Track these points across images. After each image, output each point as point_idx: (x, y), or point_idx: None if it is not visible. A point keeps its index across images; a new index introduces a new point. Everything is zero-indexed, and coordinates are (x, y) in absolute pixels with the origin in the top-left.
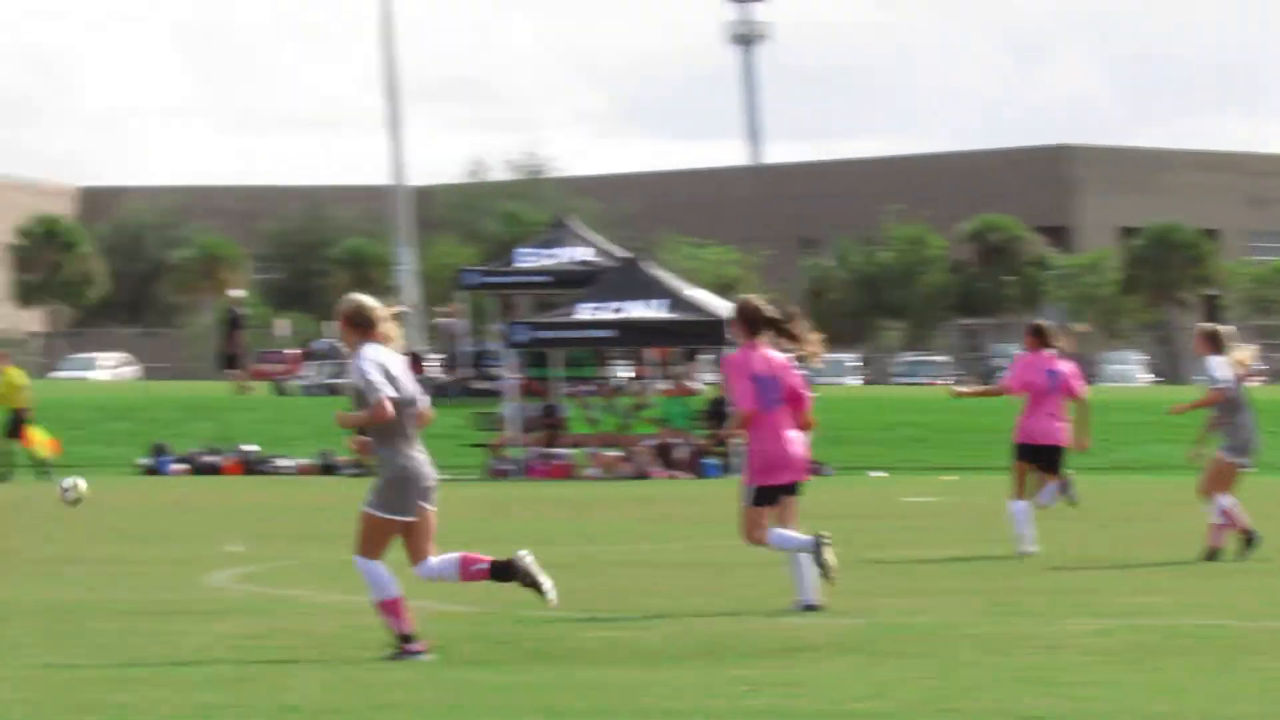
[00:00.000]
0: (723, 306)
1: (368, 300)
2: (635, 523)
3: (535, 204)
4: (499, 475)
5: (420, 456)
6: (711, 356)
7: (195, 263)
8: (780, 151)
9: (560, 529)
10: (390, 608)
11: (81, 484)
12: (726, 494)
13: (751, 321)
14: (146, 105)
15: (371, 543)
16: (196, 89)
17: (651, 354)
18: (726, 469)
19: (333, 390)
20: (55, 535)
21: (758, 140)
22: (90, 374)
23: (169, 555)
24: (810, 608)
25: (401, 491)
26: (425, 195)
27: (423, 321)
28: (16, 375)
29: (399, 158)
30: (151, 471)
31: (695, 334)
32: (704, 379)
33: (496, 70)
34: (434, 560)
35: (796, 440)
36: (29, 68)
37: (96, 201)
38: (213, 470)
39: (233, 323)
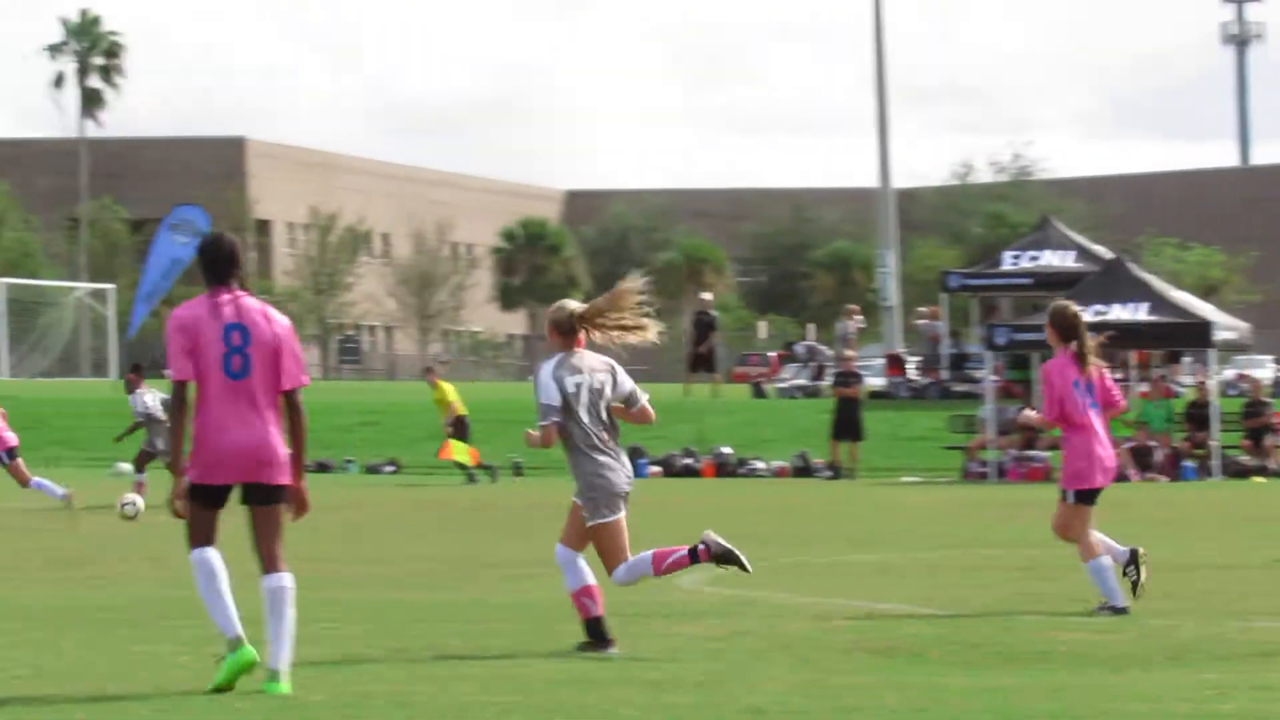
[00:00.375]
0: (1205, 309)
1: (577, 308)
2: (1107, 526)
3: (1020, 206)
4: (975, 478)
5: (613, 462)
6: (1192, 359)
7: (678, 266)
8: (1271, 153)
9: (1031, 532)
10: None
11: (140, 502)
12: (1203, 497)
13: (1068, 328)
14: (632, 108)
15: (576, 535)
16: (683, 91)
17: (1132, 356)
18: (1206, 472)
19: (811, 393)
20: (523, 535)
21: (1247, 142)
22: None
23: None
24: (1116, 610)
25: (600, 496)
26: (910, 198)
27: (902, 324)
28: (448, 389)
29: (885, 160)
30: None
31: (1177, 336)
32: (1184, 382)
33: (986, 72)
34: (622, 566)
35: (1109, 445)
36: (516, 71)
37: (581, 205)
38: (689, 472)
39: (703, 325)
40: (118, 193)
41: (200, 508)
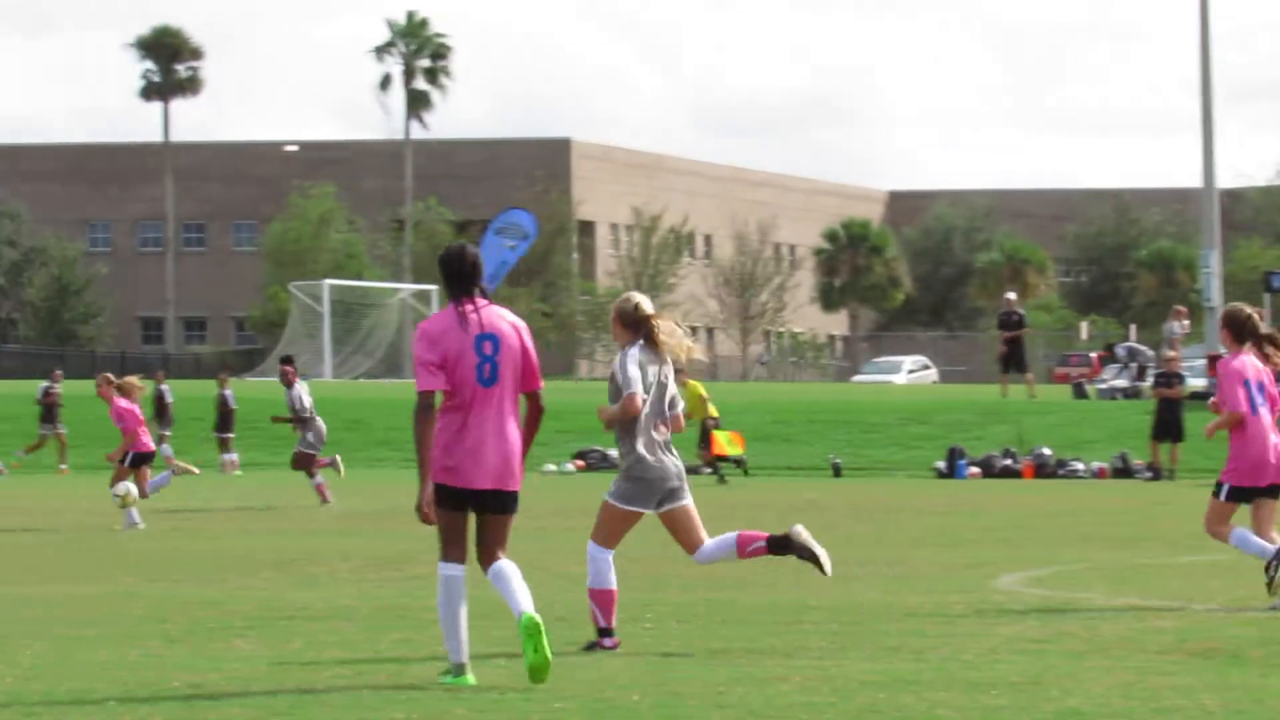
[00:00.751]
0: None
1: (644, 302)
2: None
3: None
4: None
5: (664, 458)
6: None
7: (1000, 266)
8: None
9: None
10: (600, 598)
11: (134, 490)
12: None
13: (1240, 329)
14: (955, 108)
15: (607, 530)
16: (1005, 92)
17: None
18: None
19: (1131, 394)
20: (856, 536)
21: None
22: (893, 377)
23: (960, 559)
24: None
25: (638, 487)
26: (1234, 197)
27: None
28: (698, 388)
29: (1210, 159)
30: (946, 475)
31: None
32: None
33: None
34: (709, 543)
35: (1277, 444)
36: (839, 71)
37: (904, 205)
38: (1008, 474)
39: (1011, 326)
40: (442, 194)
41: (448, 512)
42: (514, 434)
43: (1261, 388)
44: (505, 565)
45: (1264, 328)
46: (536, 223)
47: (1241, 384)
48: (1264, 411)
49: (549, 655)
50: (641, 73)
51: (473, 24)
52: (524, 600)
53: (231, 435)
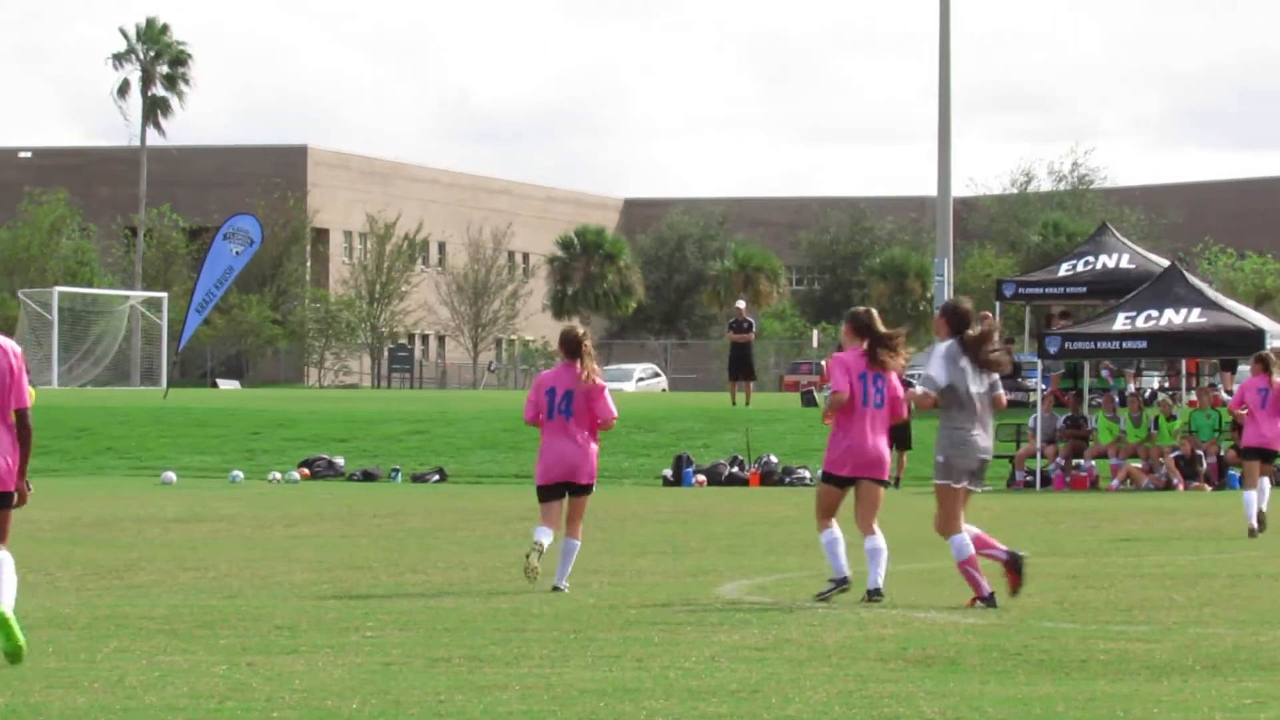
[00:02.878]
0: (1258, 318)
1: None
2: (1151, 535)
3: (1078, 215)
4: (1020, 486)
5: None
6: (1235, 369)
7: (732, 274)
8: None
9: (1075, 540)
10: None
11: None
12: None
13: (862, 329)
14: (698, 117)
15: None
16: (743, 101)
17: (1183, 365)
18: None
19: None
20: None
21: None
22: (623, 385)
23: (684, 567)
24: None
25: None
26: (968, 206)
27: None
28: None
29: (945, 168)
30: (672, 483)
31: (1228, 345)
32: (1232, 390)
33: (1054, 79)
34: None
35: (881, 440)
36: (578, 81)
37: (639, 213)
38: (735, 481)
39: (740, 331)
40: (177, 201)
41: None
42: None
43: (882, 382)
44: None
45: (880, 327)
46: (261, 229)
47: (857, 378)
48: (876, 408)
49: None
50: (384, 82)
51: (214, 32)
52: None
53: None
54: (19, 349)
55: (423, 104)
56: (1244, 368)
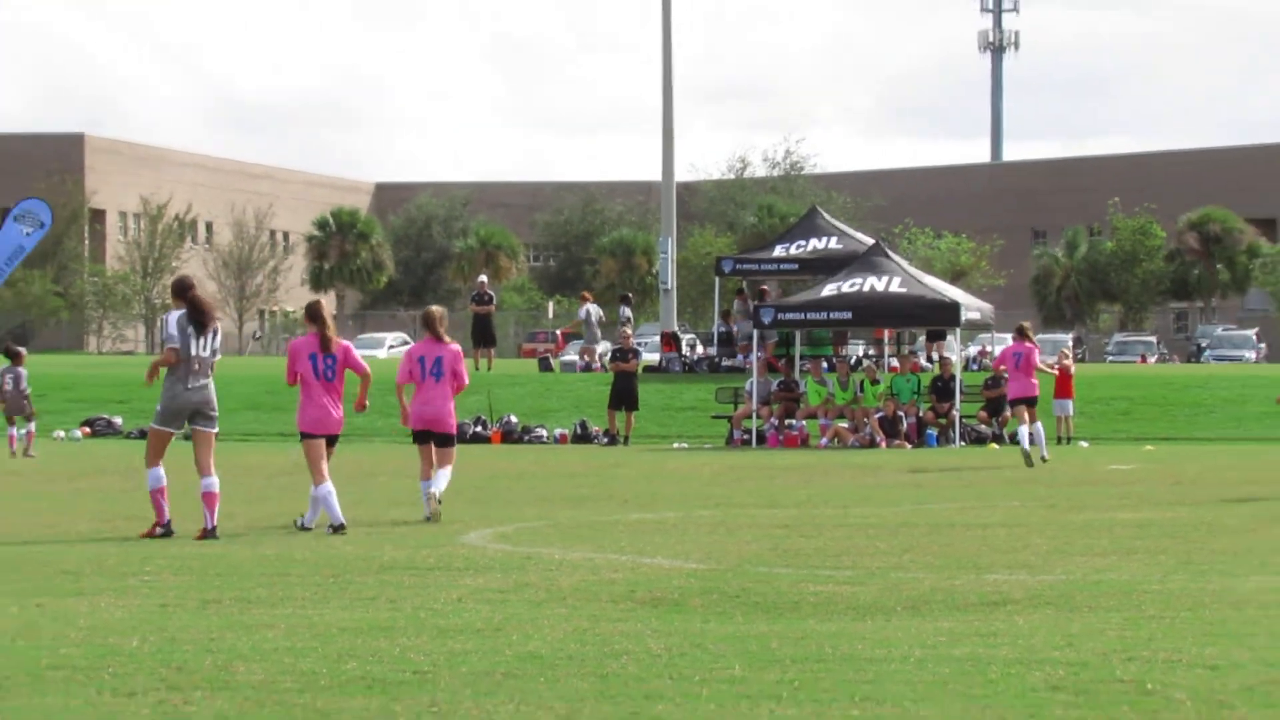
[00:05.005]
0: (954, 292)
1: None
2: (858, 487)
3: (791, 198)
4: (738, 444)
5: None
6: (944, 338)
7: (475, 251)
8: (1019, 150)
9: (788, 494)
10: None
11: None
12: (946, 462)
13: (314, 316)
14: (448, 108)
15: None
16: (490, 92)
17: (885, 334)
18: (948, 439)
19: (591, 368)
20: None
21: (1000, 140)
22: (376, 352)
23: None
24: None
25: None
26: (690, 190)
27: (676, 305)
28: None
29: (669, 155)
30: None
31: (926, 316)
32: (933, 357)
33: (769, 74)
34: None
35: (336, 408)
36: (338, 73)
37: (390, 196)
38: (479, 440)
39: (481, 303)
40: None
41: None
42: None
43: (334, 360)
44: None
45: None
46: (51, 212)
47: (307, 358)
48: (330, 381)
49: None
50: (156, 73)
51: None
52: None
53: None
54: None
55: (192, 95)
56: (951, 338)
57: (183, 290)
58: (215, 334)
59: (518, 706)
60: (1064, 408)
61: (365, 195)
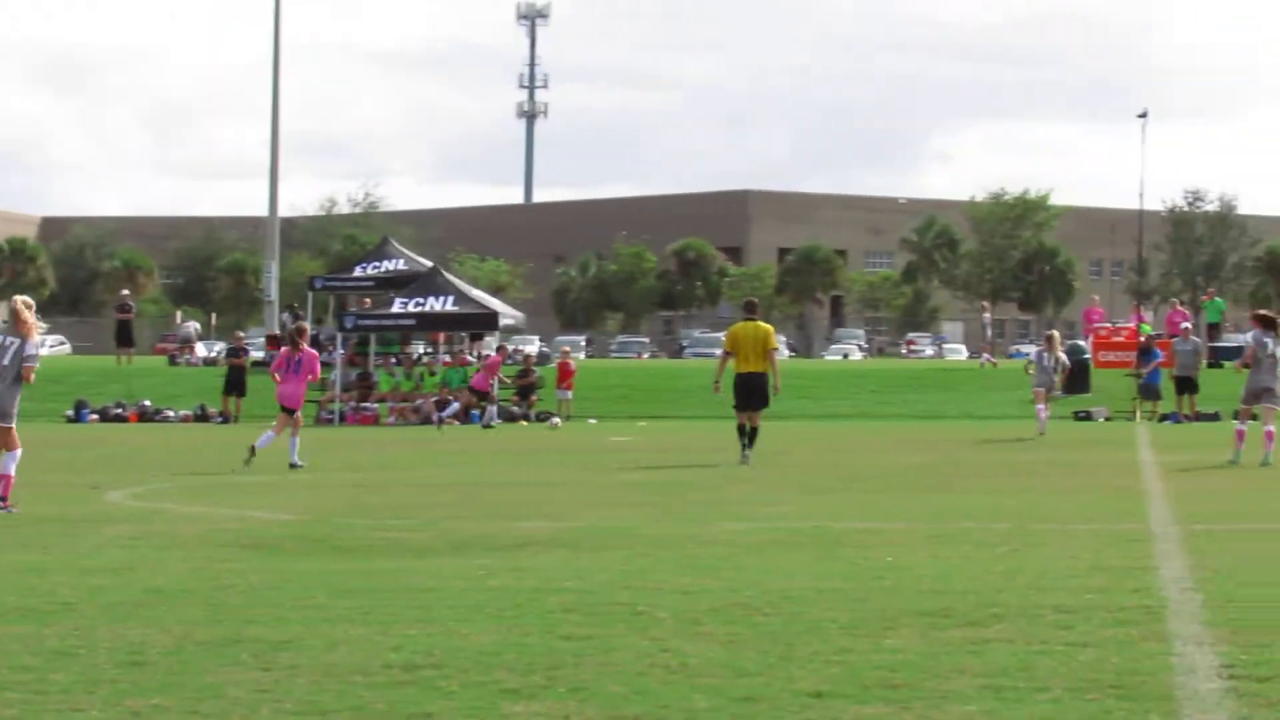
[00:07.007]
0: (494, 303)
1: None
2: (419, 456)
3: (369, 230)
4: (325, 422)
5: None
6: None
7: (120, 270)
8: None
9: (364, 460)
10: None
11: None
12: (488, 436)
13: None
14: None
15: None
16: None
17: (441, 336)
18: (489, 420)
19: (209, 362)
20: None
21: (530, 186)
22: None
23: (80, 480)
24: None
25: None
26: (290, 224)
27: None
28: None
29: (274, 196)
30: (74, 420)
31: (473, 322)
32: (476, 355)
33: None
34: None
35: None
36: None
37: (53, 227)
38: (119, 419)
39: (125, 311)
40: None
41: None
42: None
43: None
44: None
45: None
46: None
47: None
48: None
49: None
50: None
51: None
52: None
53: None
54: None
55: None
56: (489, 337)
57: None
58: None
59: (144, 630)
60: (565, 395)
61: (33, 226)
